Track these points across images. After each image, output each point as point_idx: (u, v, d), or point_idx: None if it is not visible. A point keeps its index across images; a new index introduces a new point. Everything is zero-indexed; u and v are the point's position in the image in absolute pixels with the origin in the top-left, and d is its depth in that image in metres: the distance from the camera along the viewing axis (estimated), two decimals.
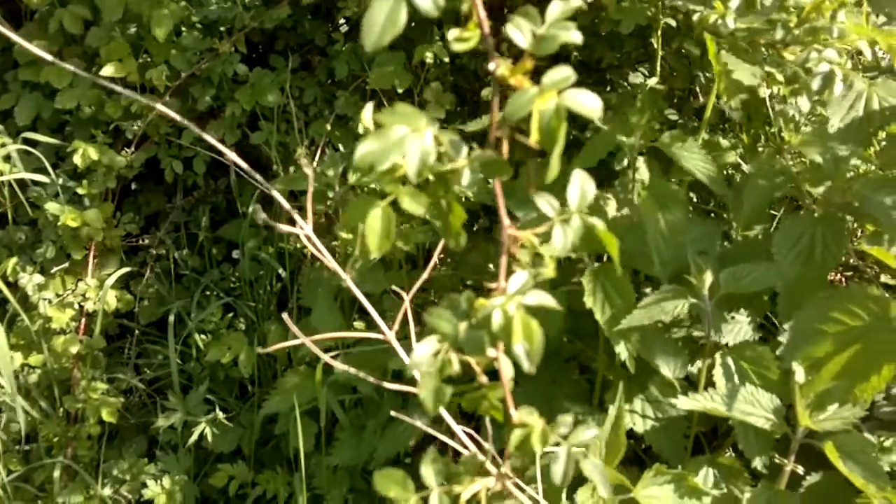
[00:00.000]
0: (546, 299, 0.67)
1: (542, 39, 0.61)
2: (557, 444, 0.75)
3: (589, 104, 0.58)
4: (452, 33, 0.66)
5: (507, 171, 0.64)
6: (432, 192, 0.69)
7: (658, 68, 1.89)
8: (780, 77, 1.56)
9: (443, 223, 0.72)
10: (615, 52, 2.14)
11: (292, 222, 2.18)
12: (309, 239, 0.91)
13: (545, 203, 0.69)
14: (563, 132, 0.59)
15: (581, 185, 0.70)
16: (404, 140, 0.62)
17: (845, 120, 1.58)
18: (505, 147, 0.66)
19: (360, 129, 2.17)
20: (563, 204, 0.73)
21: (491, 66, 0.62)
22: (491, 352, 0.73)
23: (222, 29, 2.24)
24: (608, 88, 2.34)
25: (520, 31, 0.61)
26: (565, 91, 0.60)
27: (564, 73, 0.60)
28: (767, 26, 1.40)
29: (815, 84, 1.36)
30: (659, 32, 1.78)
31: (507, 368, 0.76)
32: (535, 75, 0.64)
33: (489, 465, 0.82)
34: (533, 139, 0.59)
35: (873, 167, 1.83)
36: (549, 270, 0.68)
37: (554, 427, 0.76)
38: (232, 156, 0.88)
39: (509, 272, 0.69)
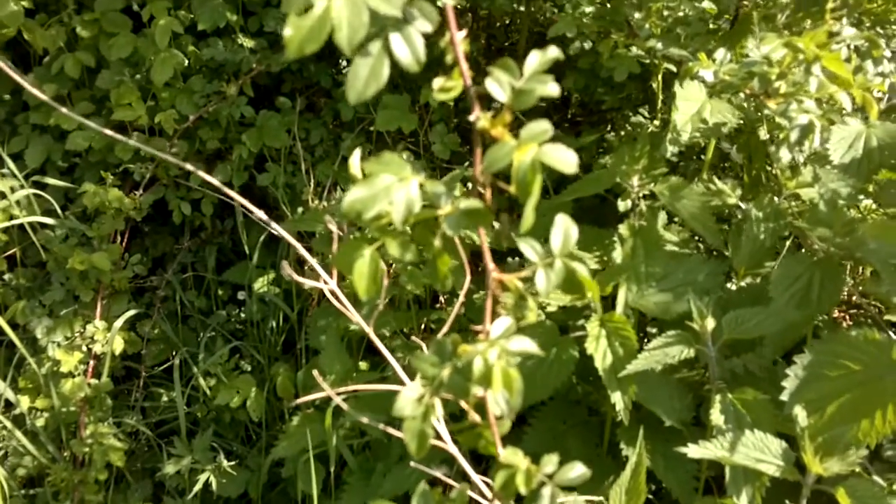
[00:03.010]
0: (528, 346, 0.68)
1: (520, 93, 0.62)
2: (543, 484, 0.75)
3: (565, 159, 0.59)
4: (437, 83, 0.67)
5: (489, 220, 0.65)
6: (419, 237, 0.70)
7: (658, 111, 1.91)
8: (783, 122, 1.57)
9: (431, 268, 0.73)
10: (616, 93, 2.16)
11: (301, 263, 2.20)
12: (334, 294, 0.92)
13: (528, 248, 0.69)
14: (539, 185, 0.60)
15: (564, 229, 0.71)
16: (390, 188, 0.63)
17: (845, 158, 1.59)
18: (488, 195, 0.67)
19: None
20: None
21: (472, 117, 0.63)
22: (479, 391, 0.74)
23: (229, 72, 2.28)
24: (609, 129, 2.36)
25: (499, 84, 0.63)
26: (543, 145, 0.61)
27: (542, 126, 0.61)
28: (747, 78, 1.42)
29: (794, 135, 1.38)
30: (660, 77, 1.80)
31: (494, 409, 0.76)
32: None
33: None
34: (512, 189, 0.60)
35: (874, 204, 1.84)
36: (531, 315, 0.69)
37: (539, 467, 0.75)
38: (258, 212, 0.89)
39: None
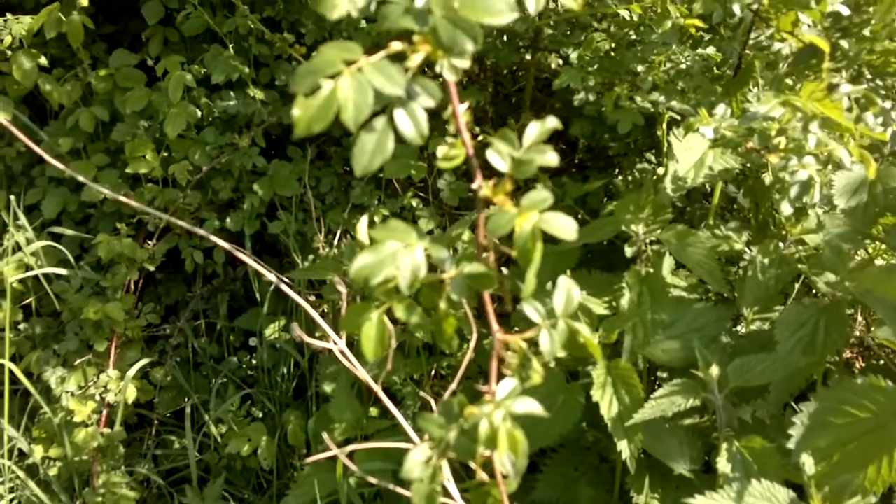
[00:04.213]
0: (533, 407, 0.69)
1: (520, 163, 0.64)
2: None
3: (564, 227, 0.61)
4: (441, 151, 0.70)
5: (492, 284, 0.66)
6: (425, 300, 0.72)
7: (665, 156, 1.93)
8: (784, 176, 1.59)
9: (437, 329, 0.75)
10: (622, 139, 2.19)
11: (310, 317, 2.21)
12: (343, 354, 0.93)
13: (532, 309, 0.71)
14: (540, 251, 0.62)
15: (566, 291, 0.72)
16: (397, 255, 0.65)
17: (850, 203, 1.61)
18: (492, 258, 0.69)
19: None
20: None
21: (474, 185, 0.66)
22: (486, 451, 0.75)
23: (241, 124, 2.32)
24: (617, 173, 2.39)
25: (499, 155, 0.65)
26: (543, 213, 0.63)
27: (542, 195, 0.63)
28: (747, 134, 1.44)
29: (794, 191, 1.39)
30: (664, 125, 1.83)
31: (501, 469, 0.77)
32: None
33: None
34: (514, 255, 0.62)
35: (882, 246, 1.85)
36: (536, 377, 0.70)
37: None
38: (269, 274, 0.92)
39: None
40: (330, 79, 0.56)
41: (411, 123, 0.60)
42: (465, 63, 0.60)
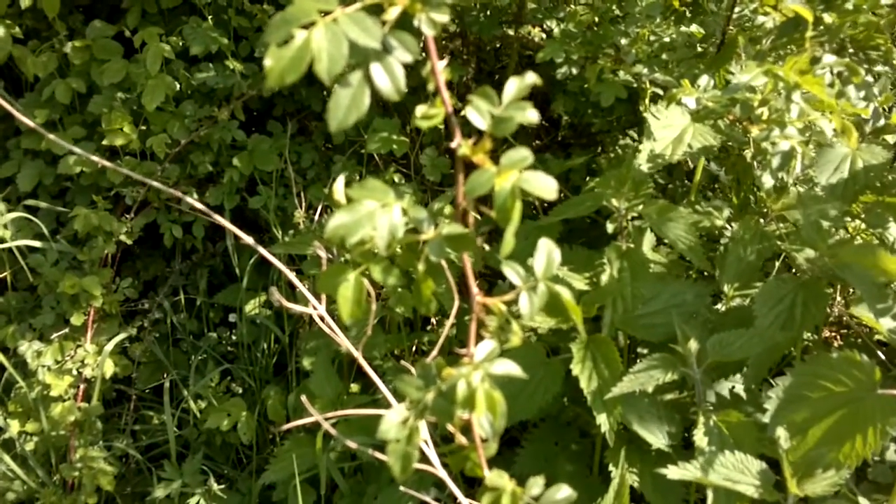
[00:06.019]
0: (512, 369, 0.68)
1: (499, 121, 0.63)
2: None
3: (544, 185, 0.60)
4: (420, 110, 0.68)
5: (471, 245, 0.65)
6: (403, 262, 0.71)
7: (646, 133, 1.93)
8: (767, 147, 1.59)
9: (415, 292, 0.74)
10: (605, 116, 2.18)
11: (292, 287, 2.20)
12: (323, 319, 0.92)
13: (512, 271, 0.70)
14: (519, 210, 0.61)
15: (547, 253, 0.72)
16: (374, 214, 0.64)
17: (831, 180, 1.61)
18: (470, 220, 0.68)
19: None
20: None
21: (453, 144, 0.65)
22: (464, 414, 0.74)
23: (220, 97, 2.29)
24: (600, 150, 2.38)
25: (478, 112, 0.64)
26: (523, 172, 0.62)
27: (522, 154, 0.62)
28: (729, 105, 1.43)
29: (776, 161, 1.39)
30: (647, 100, 1.82)
31: (479, 431, 0.77)
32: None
33: None
34: (493, 215, 0.61)
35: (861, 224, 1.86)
36: (515, 339, 0.69)
37: (525, 489, 0.76)
38: (247, 238, 0.90)
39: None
40: (304, 29, 0.55)
41: (388, 78, 0.59)
42: (443, 17, 0.59)
